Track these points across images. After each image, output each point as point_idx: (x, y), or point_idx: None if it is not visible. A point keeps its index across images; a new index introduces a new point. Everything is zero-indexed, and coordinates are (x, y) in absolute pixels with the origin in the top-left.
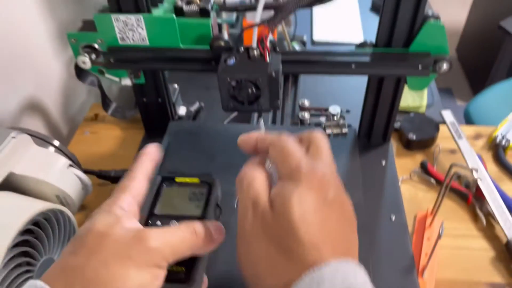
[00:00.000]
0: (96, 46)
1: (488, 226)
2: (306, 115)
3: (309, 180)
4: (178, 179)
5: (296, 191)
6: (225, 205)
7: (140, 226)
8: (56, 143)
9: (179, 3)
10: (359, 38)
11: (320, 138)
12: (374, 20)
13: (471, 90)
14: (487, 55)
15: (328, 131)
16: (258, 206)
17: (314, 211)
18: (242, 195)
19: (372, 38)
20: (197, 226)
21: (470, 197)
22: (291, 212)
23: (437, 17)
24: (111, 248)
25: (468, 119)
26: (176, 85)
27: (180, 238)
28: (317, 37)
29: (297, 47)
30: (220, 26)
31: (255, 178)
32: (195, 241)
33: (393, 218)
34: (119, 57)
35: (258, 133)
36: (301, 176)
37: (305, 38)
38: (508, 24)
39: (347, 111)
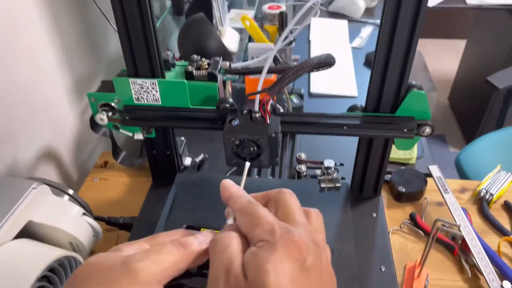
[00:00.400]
0: (113, 104)
1: (473, 278)
2: (303, 167)
3: (285, 245)
4: (203, 230)
5: (271, 258)
6: None
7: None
8: (71, 191)
9: (189, 68)
10: (353, 90)
11: (288, 199)
12: (368, 73)
13: (463, 137)
14: (478, 104)
15: (323, 184)
16: (230, 274)
17: (291, 281)
18: (213, 260)
19: (365, 89)
20: (183, 238)
21: (456, 249)
22: (267, 282)
23: (419, 87)
24: (96, 277)
25: (458, 168)
26: (182, 138)
27: (168, 254)
28: (314, 90)
29: (295, 100)
30: (224, 83)
31: (230, 242)
32: (185, 254)
33: (383, 269)
34: (134, 115)
35: (234, 188)
36: (276, 240)
37: (302, 91)
38: (495, 79)
39: (341, 164)
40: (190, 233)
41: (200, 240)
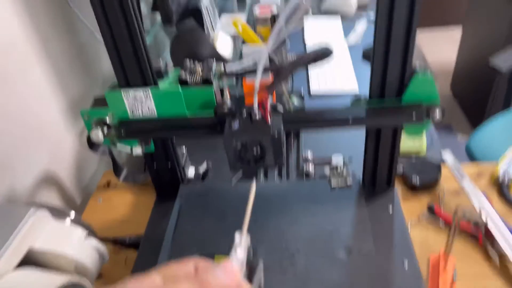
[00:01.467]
0: (107, 120)
1: (501, 265)
2: (311, 167)
3: None
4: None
5: None
6: None
7: None
8: (72, 215)
9: (183, 75)
10: (354, 86)
11: None
12: (366, 68)
13: (470, 125)
14: (481, 89)
15: (334, 183)
16: None
17: None
18: None
19: (365, 84)
20: (201, 277)
21: (481, 237)
22: None
23: (424, 69)
24: None
25: (470, 155)
26: (184, 148)
27: None
28: (314, 89)
29: (296, 101)
30: (222, 90)
31: None
32: None
33: (406, 264)
34: (130, 128)
35: None
36: None
37: (302, 91)
38: (497, 60)
39: (350, 159)
40: (205, 262)
41: (219, 277)
